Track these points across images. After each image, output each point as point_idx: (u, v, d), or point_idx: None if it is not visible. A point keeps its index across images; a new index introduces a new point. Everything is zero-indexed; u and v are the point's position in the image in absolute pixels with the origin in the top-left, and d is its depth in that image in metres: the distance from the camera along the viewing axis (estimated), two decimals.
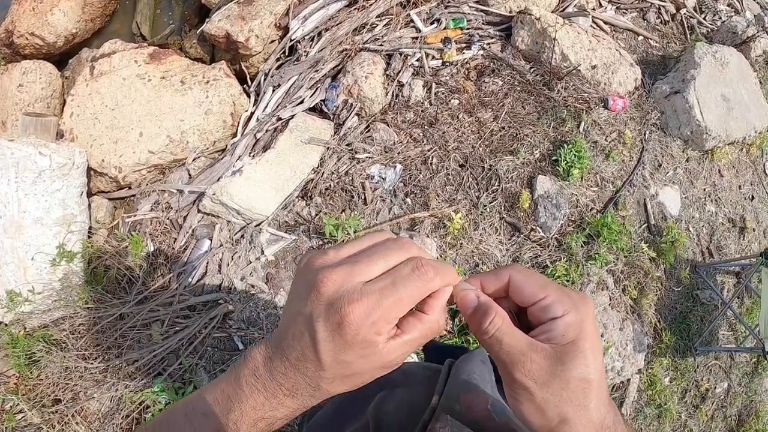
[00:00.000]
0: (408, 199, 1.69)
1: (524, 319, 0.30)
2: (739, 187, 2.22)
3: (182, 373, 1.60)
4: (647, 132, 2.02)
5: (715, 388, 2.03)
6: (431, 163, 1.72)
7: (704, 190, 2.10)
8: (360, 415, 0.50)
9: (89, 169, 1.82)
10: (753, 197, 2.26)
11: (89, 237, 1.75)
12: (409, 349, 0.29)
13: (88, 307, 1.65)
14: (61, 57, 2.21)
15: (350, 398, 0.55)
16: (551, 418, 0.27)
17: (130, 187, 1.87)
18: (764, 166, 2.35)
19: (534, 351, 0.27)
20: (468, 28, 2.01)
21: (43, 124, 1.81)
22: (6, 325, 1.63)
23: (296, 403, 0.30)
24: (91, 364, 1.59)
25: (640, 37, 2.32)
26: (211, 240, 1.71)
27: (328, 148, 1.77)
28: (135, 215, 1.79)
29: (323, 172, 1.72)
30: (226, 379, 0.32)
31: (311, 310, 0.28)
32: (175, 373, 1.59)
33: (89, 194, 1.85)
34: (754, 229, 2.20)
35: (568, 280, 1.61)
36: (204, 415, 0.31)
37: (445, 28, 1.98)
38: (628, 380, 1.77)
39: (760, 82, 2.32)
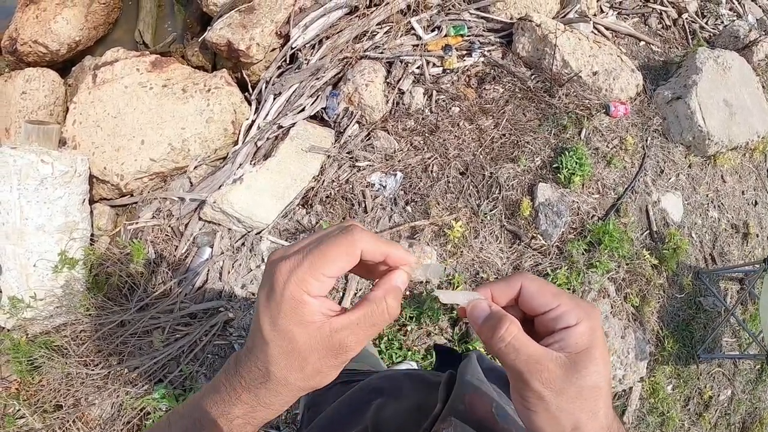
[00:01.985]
0: (408, 207, 1.68)
1: (529, 327, 0.30)
2: (743, 192, 2.20)
3: (183, 380, 1.60)
4: (649, 138, 2.01)
5: (719, 395, 2.01)
6: (432, 171, 1.72)
7: (707, 196, 2.09)
8: (357, 423, 0.49)
9: (91, 176, 1.83)
10: (756, 202, 2.24)
11: (91, 244, 1.77)
12: (359, 332, 0.28)
13: (89, 314, 1.66)
14: (64, 64, 2.22)
15: (346, 408, 0.55)
16: (564, 427, 0.27)
17: (132, 195, 1.88)
18: None
19: (550, 360, 0.28)
20: (469, 35, 2.01)
21: (46, 131, 1.82)
22: (8, 330, 1.65)
23: (251, 396, 0.30)
24: (93, 370, 1.60)
25: (642, 43, 2.32)
26: (212, 248, 1.72)
27: (328, 155, 1.77)
28: (137, 223, 1.80)
29: (324, 180, 1.72)
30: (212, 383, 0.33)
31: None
32: (176, 380, 1.59)
33: (91, 201, 1.86)
34: (757, 235, 2.19)
35: (569, 288, 1.60)
36: (180, 416, 0.32)
37: (445, 36, 1.98)
38: (630, 388, 1.76)
39: (763, 87, 2.30)
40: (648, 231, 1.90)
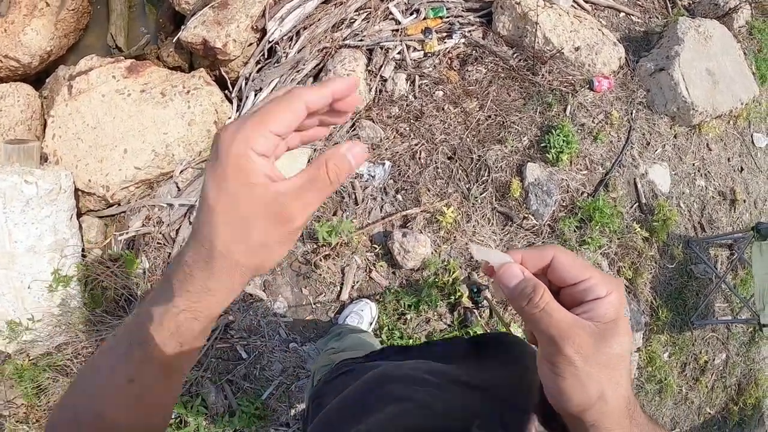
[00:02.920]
0: (399, 196, 1.68)
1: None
2: (728, 159, 2.23)
3: (189, 386, 1.61)
4: (634, 111, 2.01)
5: (714, 359, 2.07)
6: (419, 158, 1.72)
7: (693, 165, 2.11)
8: (365, 418, 0.47)
9: (76, 190, 1.80)
10: (742, 169, 2.27)
11: (83, 258, 1.75)
12: (303, 197, 0.27)
13: (89, 330, 1.65)
14: (38, 76, 2.16)
15: (352, 401, 0.54)
16: (591, 395, 0.28)
17: (119, 204, 1.85)
18: (752, 137, 2.35)
19: (581, 327, 0.28)
20: (448, 17, 1.98)
21: (26, 150, 1.78)
22: (10, 356, 1.63)
23: (194, 282, 0.28)
24: None
25: (622, 14, 2.30)
26: None
27: (314, 149, 1.76)
28: (127, 232, 1.78)
29: None
30: None
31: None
32: (182, 387, 1.60)
33: (79, 214, 1.83)
34: (744, 201, 2.22)
35: None
36: (130, 319, 0.32)
37: (424, 18, 1.95)
38: None
39: (744, 54, 2.31)
40: (637, 204, 1.92)
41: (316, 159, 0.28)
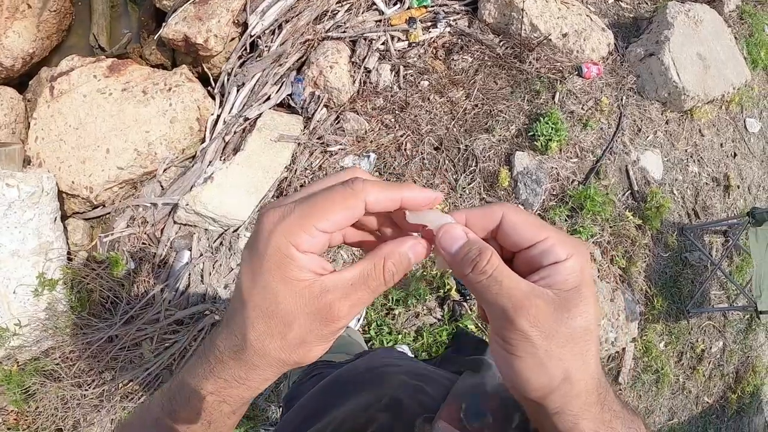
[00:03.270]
0: None
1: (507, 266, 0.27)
2: (721, 145, 2.20)
3: None
4: (624, 97, 1.98)
5: (711, 348, 2.04)
6: (405, 149, 1.69)
7: (686, 151, 2.08)
8: (322, 418, 0.46)
9: (60, 192, 1.78)
10: (735, 154, 2.24)
11: (69, 261, 1.72)
12: (352, 295, 0.24)
13: (76, 334, 1.63)
14: (21, 79, 2.14)
15: (314, 402, 0.53)
16: (554, 376, 0.24)
17: (104, 206, 1.83)
18: (744, 122, 2.32)
19: (538, 296, 0.24)
20: (432, 6, 1.95)
21: (8, 153, 1.76)
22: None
23: (224, 369, 0.26)
24: (87, 390, 1.58)
25: (611, 0, 2.27)
26: (190, 251, 1.68)
27: (299, 143, 1.73)
28: (112, 233, 1.75)
29: (296, 169, 1.68)
30: None
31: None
32: None
33: (64, 217, 1.81)
34: (738, 186, 2.19)
35: None
36: (160, 395, 0.30)
37: (408, 8, 1.92)
38: (623, 349, 1.77)
39: (735, 38, 2.27)
40: (629, 191, 1.89)
41: (372, 253, 0.25)
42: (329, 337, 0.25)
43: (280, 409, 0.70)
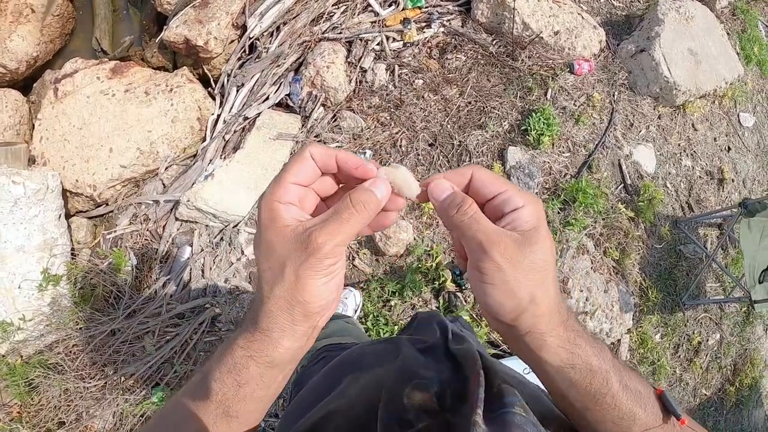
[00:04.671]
0: None
1: None
2: (715, 139, 2.22)
3: (179, 380, 1.62)
4: (616, 93, 2.01)
5: (708, 340, 2.05)
6: (400, 146, 1.72)
7: (679, 145, 2.10)
8: (326, 397, 0.47)
9: (64, 190, 1.82)
10: (729, 148, 2.26)
11: (73, 258, 1.76)
12: (328, 226, 0.29)
13: (79, 328, 1.66)
14: (25, 82, 2.19)
15: (321, 382, 0.54)
16: (522, 298, 0.29)
17: (107, 204, 1.87)
18: (738, 116, 2.34)
19: (505, 235, 0.29)
20: (426, 6, 1.99)
21: (13, 152, 1.81)
22: (3, 356, 1.65)
23: (251, 323, 0.30)
24: (90, 383, 1.61)
25: None
26: (191, 246, 1.72)
27: (296, 141, 1.77)
28: (115, 231, 1.79)
29: None
30: None
31: None
32: (173, 382, 1.61)
33: (68, 216, 1.85)
34: (733, 180, 2.21)
35: None
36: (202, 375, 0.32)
37: (403, 9, 1.97)
38: (619, 341, 1.79)
39: (728, 34, 2.30)
40: (622, 185, 1.91)
41: (344, 196, 0.30)
42: (317, 267, 0.28)
43: (290, 394, 0.72)
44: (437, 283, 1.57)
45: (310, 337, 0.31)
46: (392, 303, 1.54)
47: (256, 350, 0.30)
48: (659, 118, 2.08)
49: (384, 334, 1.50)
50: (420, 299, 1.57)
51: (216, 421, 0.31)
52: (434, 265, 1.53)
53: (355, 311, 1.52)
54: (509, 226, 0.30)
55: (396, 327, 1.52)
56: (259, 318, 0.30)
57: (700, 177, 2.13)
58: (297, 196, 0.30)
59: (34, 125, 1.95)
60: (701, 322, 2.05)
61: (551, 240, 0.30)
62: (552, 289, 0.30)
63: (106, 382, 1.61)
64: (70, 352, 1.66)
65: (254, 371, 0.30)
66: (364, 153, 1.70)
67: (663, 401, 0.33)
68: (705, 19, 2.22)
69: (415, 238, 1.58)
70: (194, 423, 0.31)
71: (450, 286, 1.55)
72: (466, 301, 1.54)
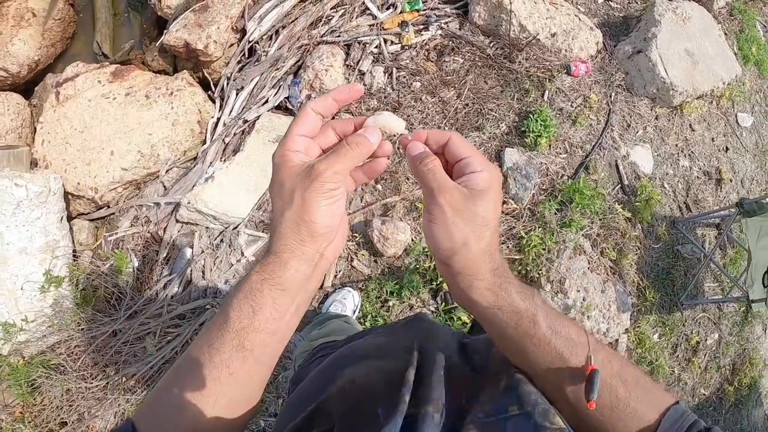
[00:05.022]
0: (378, 186, 1.70)
1: (448, 174, 0.37)
2: (712, 139, 2.22)
3: None
4: (613, 94, 2.02)
5: (706, 340, 2.05)
6: (398, 148, 1.74)
7: (676, 145, 2.11)
8: (323, 392, 0.48)
9: (66, 193, 1.84)
10: (727, 148, 2.26)
11: (75, 260, 1.78)
12: (328, 159, 0.34)
13: (81, 329, 1.68)
14: (27, 85, 2.21)
15: (316, 377, 0.56)
16: (456, 240, 0.33)
17: (108, 206, 1.89)
18: (736, 116, 2.35)
19: (455, 188, 0.34)
20: (424, 9, 2.00)
21: (16, 155, 1.83)
22: (5, 356, 1.67)
23: (266, 250, 0.35)
24: (91, 383, 1.63)
25: (600, 0, 2.31)
26: (192, 248, 1.74)
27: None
28: (116, 233, 1.81)
29: None
30: None
31: None
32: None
33: (70, 218, 1.87)
34: (731, 180, 2.21)
35: (544, 249, 1.63)
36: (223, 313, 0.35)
37: (401, 12, 1.98)
38: (616, 341, 1.80)
39: (725, 34, 2.31)
40: (619, 185, 1.92)
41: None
42: (320, 190, 0.33)
43: (288, 392, 0.73)
44: (435, 283, 1.58)
45: (318, 266, 0.35)
46: (390, 303, 1.56)
47: (269, 272, 0.34)
48: (656, 118, 2.09)
49: None
50: (418, 299, 1.58)
51: (232, 354, 0.33)
52: (432, 265, 1.55)
53: (354, 312, 1.53)
54: (463, 183, 0.35)
55: None
56: (272, 243, 0.34)
57: (697, 177, 2.14)
58: (303, 146, 0.36)
59: (35, 128, 1.97)
60: (699, 322, 2.06)
61: (497, 205, 0.35)
62: (485, 241, 0.34)
63: (107, 383, 1.63)
64: (72, 352, 1.68)
65: (267, 295, 0.33)
66: None
67: (590, 380, 0.35)
68: (702, 19, 2.23)
69: (413, 239, 1.59)
70: (215, 356, 0.33)
71: (447, 286, 1.56)
72: None
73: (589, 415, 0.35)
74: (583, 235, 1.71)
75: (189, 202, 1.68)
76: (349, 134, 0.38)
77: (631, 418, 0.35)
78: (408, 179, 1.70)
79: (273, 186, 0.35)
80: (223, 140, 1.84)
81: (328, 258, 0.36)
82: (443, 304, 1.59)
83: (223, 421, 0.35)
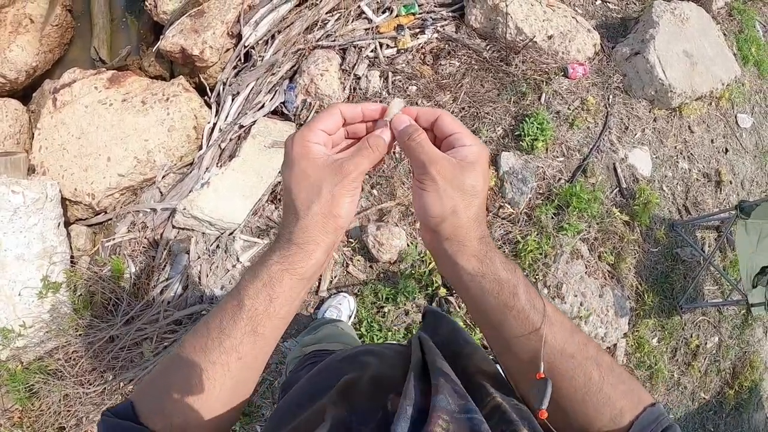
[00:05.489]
0: (374, 191, 1.70)
1: (436, 147, 0.39)
2: (712, 141, 2.21)
3: None
4: (611, 96, 2.01)
5: (706, 343, 2.04)
6: (394, 152, 1.73)
7: (675, 147, 2.10)
8: (318, 399, 0.48)
9: (63, 199, 1.85)
10: (727, 150, 2.25)
11: (72, 265, 1.78)
12: (353, 158, 0.35)
13: (79, 334, 1.68)
14: (25, 91, 2.22)
15: (308, 385, 0.55)
16: (446, 207, 0.35)
17: (105, 212, 1.89)
18: (736, 117, 2.33)
19: (445, 159, 0.36)
20: (420, 13, 2.00)
21: (13, 162, 1.84)
22: (3, 362, 1.67)
23: (285, 239, 0.35)
24: (89, 388, 1.63)
25: (598, 2, 2.30)
26: (188, 253, 1.74)
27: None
28: (113, 238, 1.82)
29: None
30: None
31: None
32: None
33: (67, 224, 1.87)
34: (731, 182, 2.19)
35: (540, 253, 1.62)
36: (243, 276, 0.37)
37: (397, 16, 1.98)
38: (615, 345, 1.79)
39: (724, 34, 2.29)
40: (617, 188, 1.91)
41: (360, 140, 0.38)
42: (348, 187, 0.35)
43: (278, 398, 0.73)
44: (430, 289, 1.57)
45: (330, 253, 0.37)
46: (386, 309, 1.55)
47: (291, 263, 0.35)
48: (655, 120, 2.07)
49: (378, 340, 1.51)
50: (413, 305, 1.58)
51: (243, 338, 0.35)
52: (427, 271, 1.54)
53: (350, 317, 1.53)
54: (453, 155, 0.36)
55: (390, 333, 1.53)
56: (294, 235, 0.35)
57: (697, 179, 2.12)
58: (322, 140, 0.37)
59: (33, 134, 1.98)
60: (699, 326, 2.04)
61: (485, 178, 0.36)
62: (473, 210, 0.36)
63: (105, 388, 1.63)
64: (70, 358, 1.68)
65: (287, 284, 0.35)
66: None
67: (536, 388, 0.35)
68: (700, 20, 2.21)
69: (408, 245, 1.58)
70: (225, 341, 0.35)
71: (443, 292, 1.55)
72: (459, 307, 1.55)
73: (562, 397, 0.35)
74: (580, 239, 1.70)
75: (185, 209, 1.68)
76: (357, 121, 0.39)
77: (604, 404, 0.35)
78: (403, 184, 1.69)
79: (294, 175, 0.35)
80: (219, 146, 1.84)
81: (337, 243, 0.38)
82: (440, 308, 1.59)
83: (227, 403, 0.36)
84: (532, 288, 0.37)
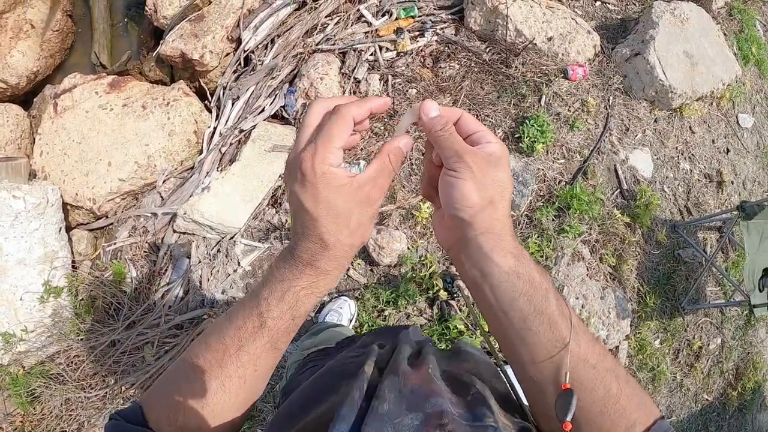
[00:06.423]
0: None
1: None
2: (713, 141, 2.20)
3: None
4: (611, 97, 2.00)
5: (709, 344, 2.03)
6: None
7: (676, 148, 2.09)
8: (322, 403, 0.48)
9: (64, 204, 1.85)
10: (728, 150, 2.24)
11: (74, 270, 1.79)
12: (377, 183, 0.35)
13: (80, 339, 1.69)
14: (26, 97, 2.23)
15: (311, 390, 0.56)
16: (484, 197, 0.34)
17: (106, 216, 1.90)
18: (737, 117, 2.32)
19: (477, 151, 0.35)
20: (420, 16, 2.00)
21: (14, 167, 1.84)
22: (5, 366, 1.68)
23: (313, 269, 0.35)
24: (90, 392, 1.64)
25: (598, 3, 2.30)
26: (189, 258, 1.74)
27: None
28: (114, 243, 1.82)
29: None
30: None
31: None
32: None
33: (69, 228, 1.88)
34: (732, 182, 2.19)
35: (541, 256, 1.62)
36: (239, 307, 0.37)
37: (396, 19, 1.98)
38: (617, 347, 1.78)
39: (724, 34, 2.28)
40: (618, 190, 1.90)
41: (379, 153, 0.36)
42: (374, 214, 0.36)
43: (279, 401, 0.73)
44: (431, 292, 1.57)
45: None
46: (387, 313, 1.55)
47: (317, 287, 0.36)
48: (655, 121, 2.07)
49: None
50: (414, 308, 1.57)
51: (261, 354, 0.36)
52: (428, 274, 1.54)
53: (351, 321, 1.53)
54: (480, 150, 0.36)
55: None
56: (320, 263, 0.35)
57: (698, 180, 2.11)
58: (342, 157, 0.35)
59: (34, 139, 1.98)
60: (702, 327, 2.03)
61: (510, 173, 0.36)
62: (507, 204, 0.35)
63: (106, 392, 1.63)
64: (72, 362, 1.69)
65: (309, 304, 0.36)
66: (358, 164, 1.71)
67: (561, 399, 0.34)
68: (700, 20, 2.20)
69: (408, 248, 1.58)
70: (243, 356, 0.36)
71: (443, 295, 1.55)
72: (460, 310, 1.54)
73: (579, 408, 0.34)
74: (581, 241, 1.70)
75: (185, 213, 1.68)
76: (365, 119, 0.38)
77: (620, 417, 0.34)
78: (403, 188, 1.69)
79: (319, 204, 0.33)
80: (220, 150, 1.84)
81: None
82: (438, 313, 1.58)
83: (239, 409, 0.37)
84: (560, 294, 0.36)
